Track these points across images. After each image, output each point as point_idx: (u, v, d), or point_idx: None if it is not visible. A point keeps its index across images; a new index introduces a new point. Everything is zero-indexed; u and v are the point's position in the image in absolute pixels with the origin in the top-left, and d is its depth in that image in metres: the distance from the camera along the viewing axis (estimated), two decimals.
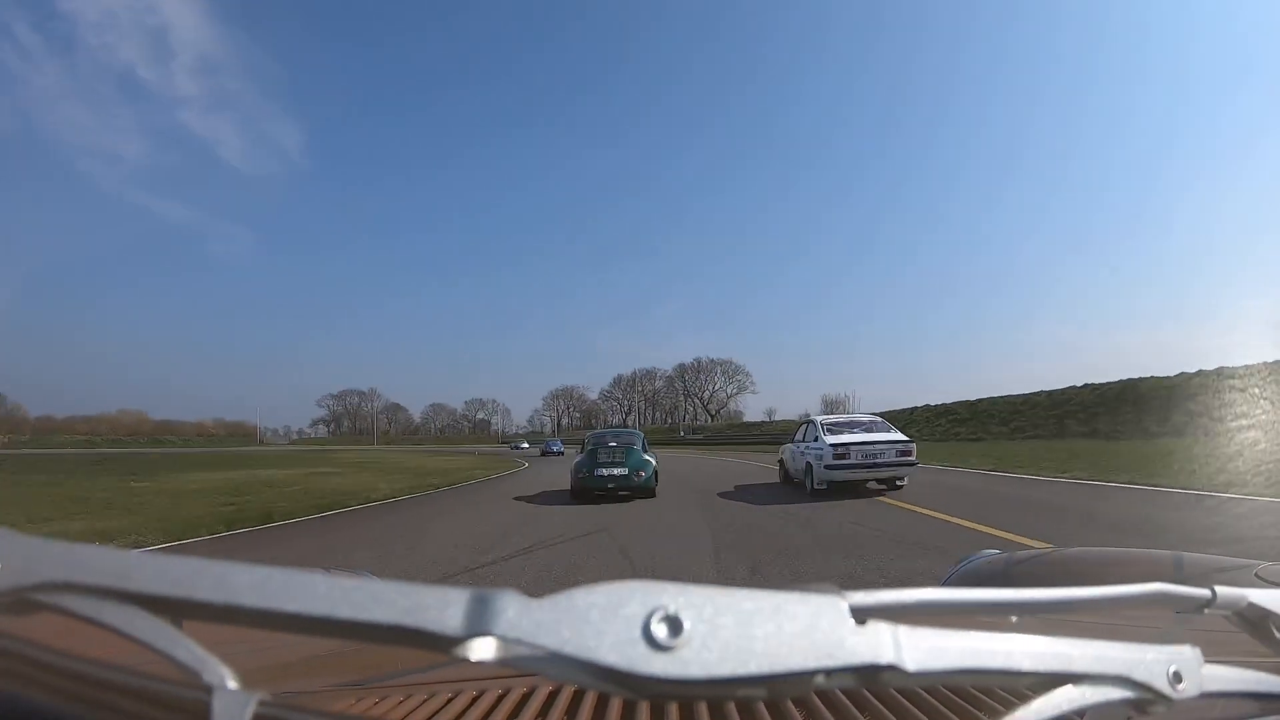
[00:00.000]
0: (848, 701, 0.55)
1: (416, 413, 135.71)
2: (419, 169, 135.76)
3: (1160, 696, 0.35)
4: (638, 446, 11.95)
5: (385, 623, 0.28)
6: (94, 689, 0.33)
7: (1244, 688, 0.40)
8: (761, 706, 0.54)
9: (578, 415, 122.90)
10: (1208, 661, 0.37)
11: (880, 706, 0.55)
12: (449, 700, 0.57)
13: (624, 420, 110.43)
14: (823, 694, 0.55)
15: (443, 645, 0.28)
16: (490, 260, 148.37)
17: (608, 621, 0.28)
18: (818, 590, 0.31)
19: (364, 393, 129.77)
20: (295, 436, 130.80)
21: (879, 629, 0.30)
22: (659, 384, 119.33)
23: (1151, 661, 0.35)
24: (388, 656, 0.70)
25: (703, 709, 0.54)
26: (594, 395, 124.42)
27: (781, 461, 13.53)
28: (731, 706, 0.54)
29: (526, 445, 68.65)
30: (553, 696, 0.56)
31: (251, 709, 0.29)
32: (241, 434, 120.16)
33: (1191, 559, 1.13)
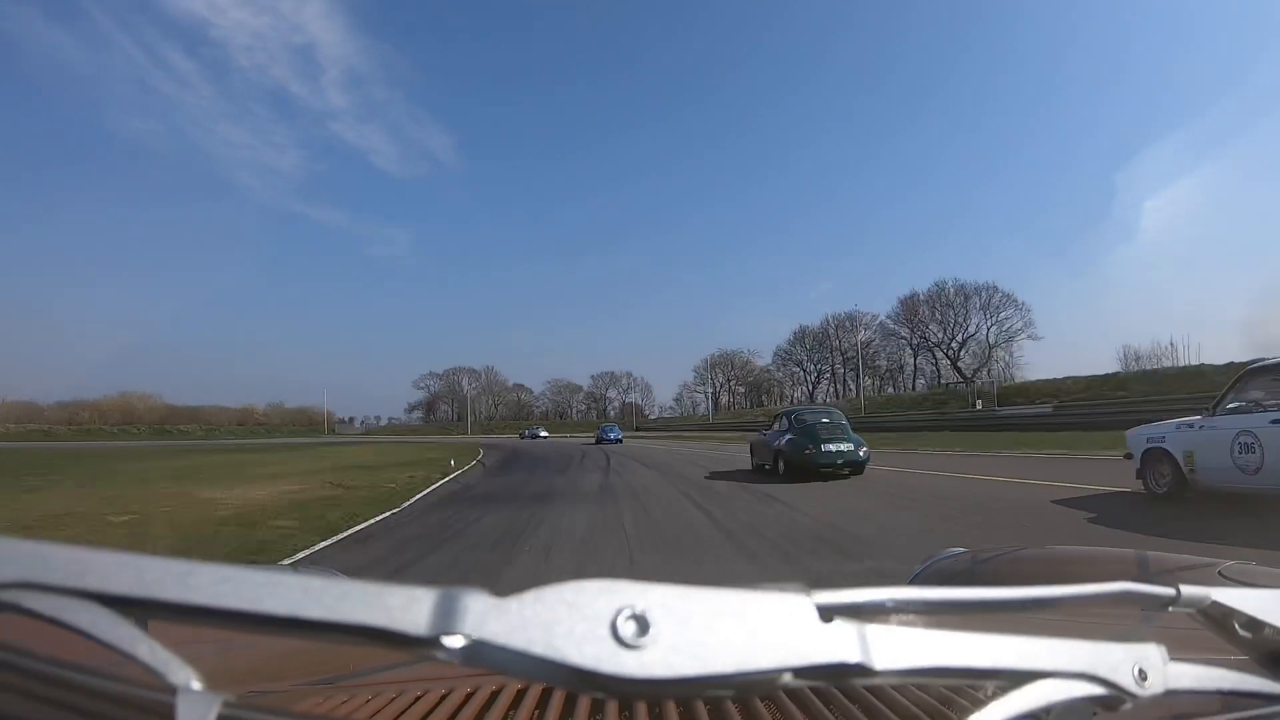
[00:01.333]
0: (817, 700, 0.56)
1: (539, 390, 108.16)
2: (560, 152, 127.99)
3: (1125, 693, 0.36)
4: (846, 423, 12.27)
5: (352, 622, 0.28)
6: (56, 690, 0.32)
7: (1208, 684, 0.41)
8: (730, 705, 0.55)
9: (741, 389, 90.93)
10: (1172, 659, 0.38)
11: (849, 704, 0.55)
12: (417, 699, 0.56)
13: (810, 394, 79.32)
14: (792, 692, 0.56)
15: (410, 644, 0.28)
16: (630, 230, 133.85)
17: (575, 620, 0.28)
18: (785, 589, 0.31)
19: (473, 371, 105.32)
20: (382, 423, 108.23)
21: (845, 628, 0.31)
22: (871, 334, 73.01)
23: (1117, 659, 0.36)
24: (355, 655, 0.70)
25: (671, 708, 0.55)
26: (764, 360, 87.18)
27: None
28: (700, 705, 0.55)
29: (545, 434, 59.75)
30: (521, 695, 0.56)
31: (216, 710, 0.29)
32: (306, 421, 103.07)
33: (1156, 557, 1.15)
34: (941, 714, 0.53)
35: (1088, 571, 1.25)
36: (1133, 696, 0.36)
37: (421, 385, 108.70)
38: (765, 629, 0.29)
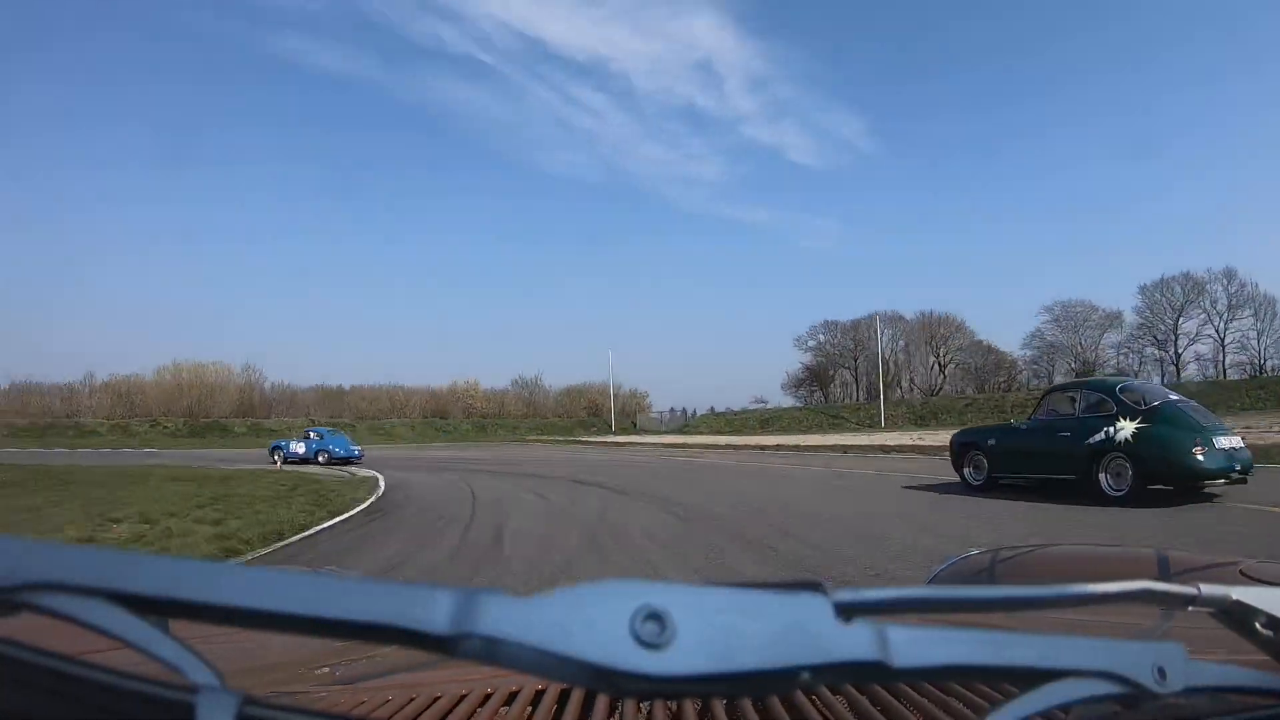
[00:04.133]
0: (835, 698, 0.56)
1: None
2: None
3: (1145, 692, 0.35)
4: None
5: (372, 622, 0.28)
6: (78, 689, 0.32)
7: (1229, 683, 0.40)
8: (748, 704, 0.54)
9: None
10: (1193, 658, 0.38)
11: (867, 703, 0.55)
12: (436, 699, 0.57)
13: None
14: (810, 691, 0.56)
15: (429, 644, 0.28)
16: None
17: (594, 619, 0.28)
18: (803, 588, 0.31)
19: (900, 318, 60.51)
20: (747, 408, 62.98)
21: (865, 626, 0.30)
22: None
23: (1137, 657, 0.36)
24: (375, 654, 0.70)
25: (689, 707, 0.55)
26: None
27: None
28: (718, 704, 0.55)
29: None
30: (539, 695, 0.56)
31: (236, 708, 0.29)
32: (589, 415, 64.28)
33: (1176, 556, 1.14)
34: (961, 713, 0.53)
35: (1107, 570, 1.24)
36: (1153, 695, 0.36)
37: (805, 342, 65.68)
38: (784, 628, 0.29)
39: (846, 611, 0.31)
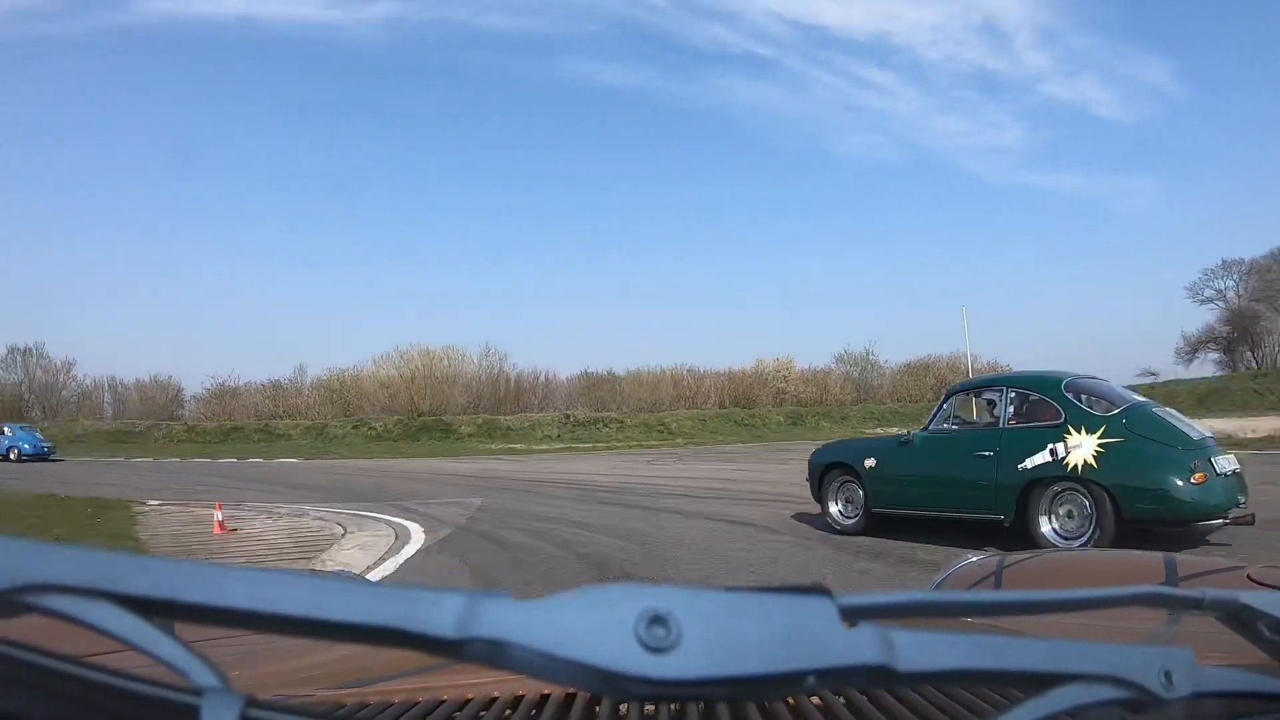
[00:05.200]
0: (840, 702, 0.55)
1: None
2: None
3: (1152, 696, 0.35)
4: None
5: (377, 624, 0.28)
6: (83, 691, 0.32)
7: (1235, 688, 0.40)
8: (753, 708, 0.54)
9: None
10: (1199, 662, 0.37)
11: (872, 708, 0.55)
12: (440, 702, 0.56)
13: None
14: (815, 695, 0.55)
15: (434, 647, 0.28)
16: None
17: (599, 623, 0.28)
18: (808, 592, 0.31)
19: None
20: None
21: (870, 630, 0.30)
22: None
23: (1143, 662, 0.36)
24: (380, 658, 0.70)
25: (693, 710, 0.54)
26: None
27: None
28: (723, 708, 0.54)
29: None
30: (545, 699, 0.56)
31: (240, 711, 0.29)
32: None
33: (1183, 560, 1.13)
34: (965, 717, 0.53)
35: (1114, 575, 1.24)
36: (1160, 700, 0.36)
37: (1202, 292, 48.53)
38: (789, 631, 0.29)
39: (851, 615, 0.31)
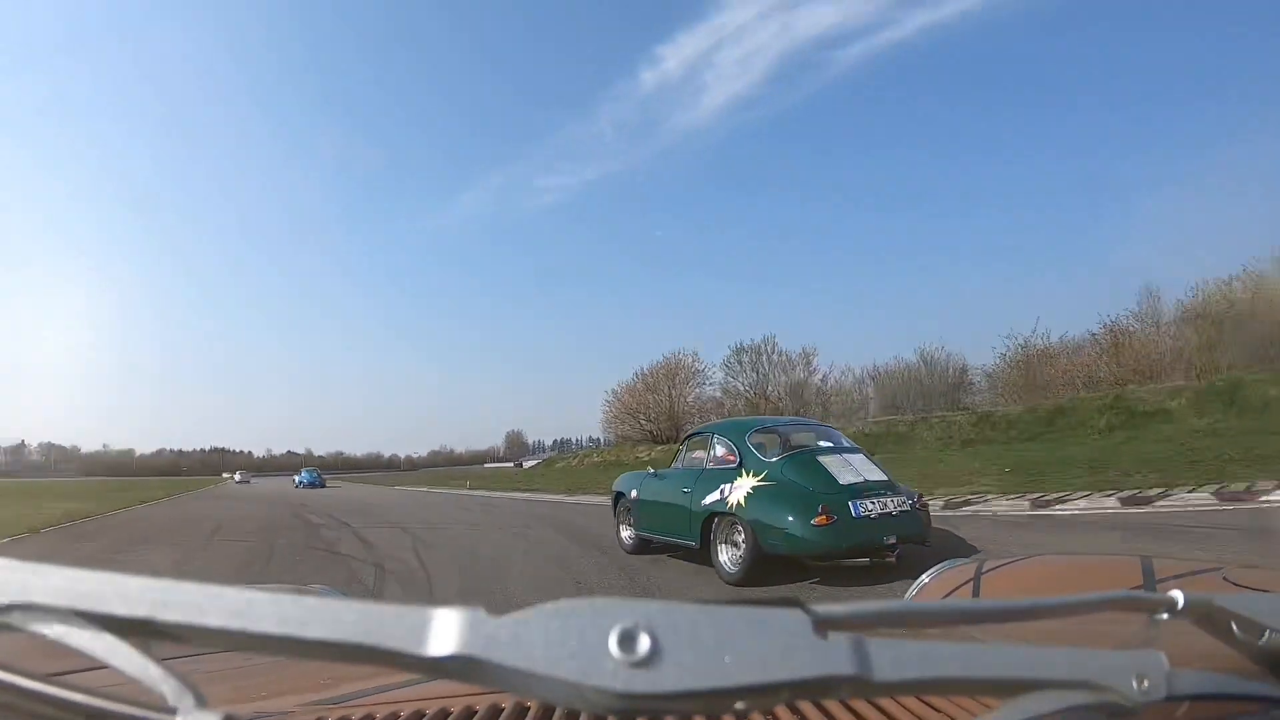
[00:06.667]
0: (819, 712, 0.56)
1: None
2: None
3: (1126, 700, 0.36)
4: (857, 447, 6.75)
5: (351, 642, 0.28)
6: (56, 711, 0.32)
7: (1211, 690, 0.41)
8: None
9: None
10: (1175, 665, 0.38)
11: (850, 717, 0.55)
12: (421, 715, 0.56)
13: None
14: (792, 707, 0.56)
15: (408, 663, 0.28)
16: None
17: (575, 637, 0.28)
18: (782, 604, 0.31)
19: None
20: None
21: (844, 641, 0.31)
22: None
23: (1118, 666, 0.36)
24: (355, 674, 0.69)
25: None
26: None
27: None
28: None
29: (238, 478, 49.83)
30: (521, 713, 0.56)
31: None
32: None
33: (1161, 563, 1.14)
34: None
35: (1092, 579, 1.25)
36: (1134, 704, 0.36)
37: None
38: (764, 644, 0.29)
39: (825, 626, 0.31)
